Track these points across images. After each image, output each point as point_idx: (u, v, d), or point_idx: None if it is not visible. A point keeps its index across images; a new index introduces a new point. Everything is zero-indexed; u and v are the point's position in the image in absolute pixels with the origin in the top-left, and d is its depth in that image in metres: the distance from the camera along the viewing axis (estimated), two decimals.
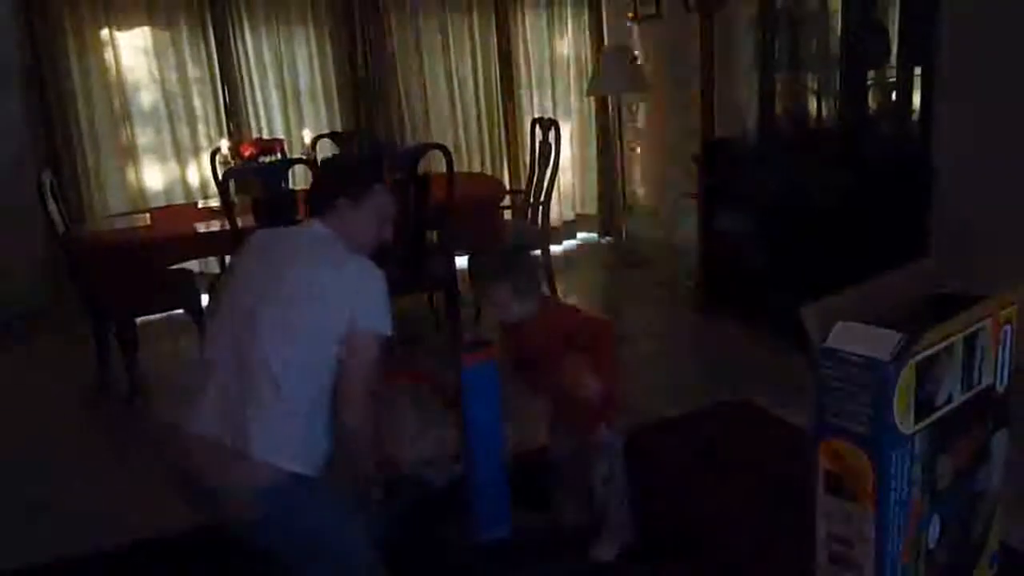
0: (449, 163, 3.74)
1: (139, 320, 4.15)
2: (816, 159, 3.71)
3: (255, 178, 3.51)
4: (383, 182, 2.08)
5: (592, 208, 6.52)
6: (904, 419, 1.63)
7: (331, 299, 1.85)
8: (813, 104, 3.92)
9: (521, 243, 2.92)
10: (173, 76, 5.32)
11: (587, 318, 2.37)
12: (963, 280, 1.95)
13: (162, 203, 5.20)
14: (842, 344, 1.65)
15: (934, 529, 1.78)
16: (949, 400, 1.73)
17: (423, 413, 2.45)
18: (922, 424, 1.68)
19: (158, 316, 4.21)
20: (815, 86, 3.88)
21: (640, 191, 6.07)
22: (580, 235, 6.53)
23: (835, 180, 3.55)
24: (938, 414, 1.73)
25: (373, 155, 2.12)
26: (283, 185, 3.43)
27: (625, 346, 3.99)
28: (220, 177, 3.87)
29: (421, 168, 3.74)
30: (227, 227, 3.48)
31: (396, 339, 2.07)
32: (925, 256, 3.42)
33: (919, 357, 1.64)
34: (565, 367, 2.17)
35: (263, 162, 3.60)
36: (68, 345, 4.35)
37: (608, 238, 6.41)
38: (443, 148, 3.81)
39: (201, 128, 5.43)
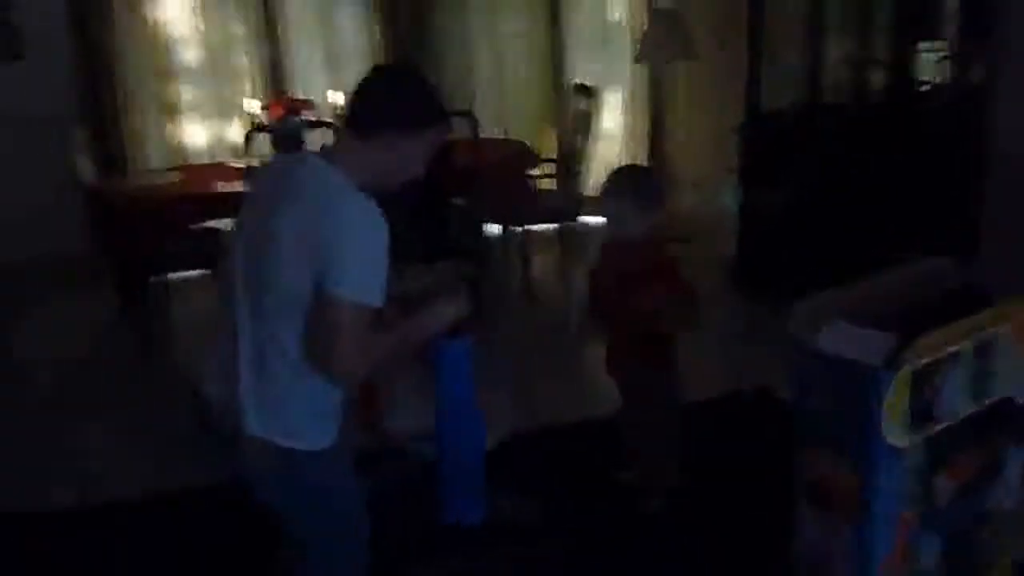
0: (474, 130, 3.63)
1: (169, 277, 4.19)
2: (863, 135, 3.50)
3: (277, 138, 3.47)
4: (443, 114, 1.81)
5: None
6: (896, 430, 1.49)
7: (304, 247, 1.59)
8: (863, 77, 3.69)
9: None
10: (216, 33, 5.30)
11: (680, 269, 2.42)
12: (1010, 281, 1.77)
13: (204, 160, 5.21)
14: (831, 346, 1.52)
15: (930, 547, 1.65)
16: (954, 412, 1.59)
17: (416, 386, 2.39)
18: (918, 436, 1.54)
19: (189, 274, 4.23)
20: (866, 57, 3.64)
21: (686, 162, 5.87)
22: None
23: (882, 159, 3.35)
24: (939, 427, 1.58)
25: (429, 83, 1.81)
26: (301, 147, 3.38)
27: None
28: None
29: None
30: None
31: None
32: (975, 247, 3.21)
33: (917, 364, 1.49)
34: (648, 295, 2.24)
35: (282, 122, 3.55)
36: (96, 299, 4.39)
37: None
38: (468, 114, 3.71)
39: (244, 86, 5.40)
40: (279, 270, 1.62)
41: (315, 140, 4.24)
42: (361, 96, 1.75)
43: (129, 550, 2.56)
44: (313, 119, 3.98)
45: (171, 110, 5.29)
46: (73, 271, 4.72)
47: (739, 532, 2.39)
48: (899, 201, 3.33)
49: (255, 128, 3.68)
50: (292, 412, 1.67)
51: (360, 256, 1.60)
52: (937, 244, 1.91)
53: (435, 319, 1.90)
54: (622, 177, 2.44)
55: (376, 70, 1.83)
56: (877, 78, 3.55)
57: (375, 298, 1.61)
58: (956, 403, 1.60)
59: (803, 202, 3.83)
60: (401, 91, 1.75)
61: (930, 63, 3.48)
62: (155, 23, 5.14)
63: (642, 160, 6.15)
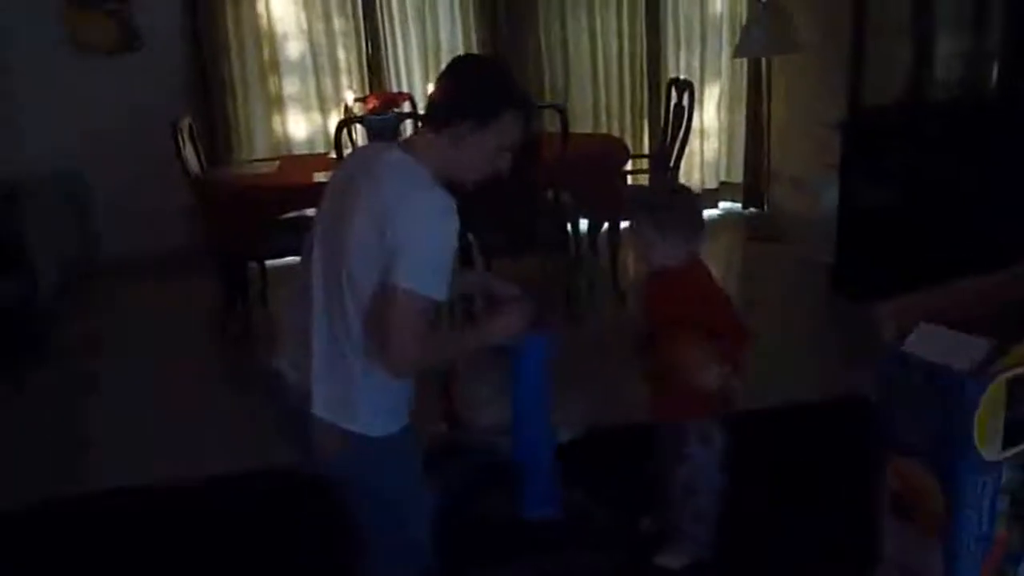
0: (564, 124, 3.61)
1: (266, 264, 4.33)
2: (974, 133, 3.30)
3: (371, 130, 3.54)
4: (518, 108, 1.74)
5: (737, 176, 6.19)
6: (988, 443, 1.40)
7: (374, 234, 1.60)
8: (975, 70, 3.48)
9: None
10: (320, 27, 5.45)
11: (724, 308, 2.12)
12: None
13: (305, 151, 5.39)
14: (920, 349, 1.43)
15: None
16: None
17: (496, 379, 2.39)
18: (1013, 451, 1.44)
19: (289, 261, 4.35)
20: (978, 50, 3.43)
21: (788, 159, 5.69)
22: (722, 204, 6.23)
23: (994, 158, 3.16)
24: None
25: (507, 74, 1.83)
26: (395, 139, 3.43)
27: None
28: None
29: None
30: None
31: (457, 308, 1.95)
32: None
33: (1013, 372, 1.40)
34: (680, 345, 1.99)
35: (375, 116, 3.62)
36: (202, 286, 4.57)
37: (752, 209, 6.07)
38: (559, 108, 3.69)
39: (344, 79, 5.54)
40: (351, 256, 1.64)
41: (410, 132, 4.31)
42: (436, 89, 1.77)
43: (221, 526, 2.66)
44: (408, 111, 4.04)
45: (275, 102, 5.48)
46: (181, 258, 4.94)
47: (825, 542, 2.30)
48: (1012, 203, 3.13)
49: (347, 120, 3.76)
50: (357, 397, 1.69)
51: (425, 247, 1.60)
52: None
53: (501, 327, 1.86)
54: (649, 198, 2.25)
55: (453, 62, 1.82)
56: (991, 72, 3.34)
57: (437, 290, 1.61)
58: None
59: (907, 202, 3.65)
60: (469, 83, 1.73)
61: None
62: (261, 18, 5.33)
63: (742, 156, 6.04)
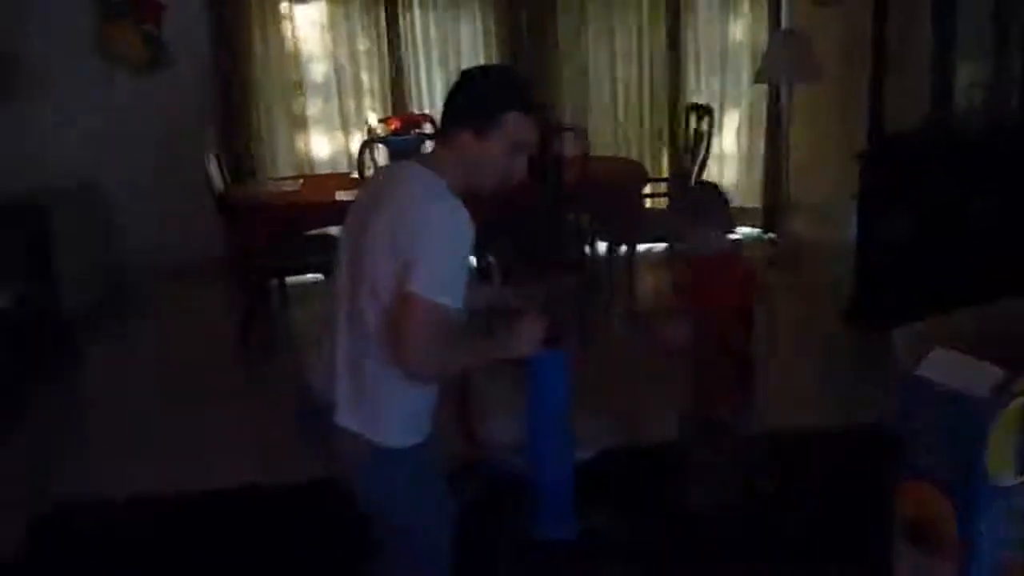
0: (585, 147, 3.64)
1: (287, 280, 4.38)
2: (996, 162, 3.31)
3: (392, 150, 3.59)
4: (521, 109, 1.72)
5: (755, 202, 6.20)
6: (1001, 468, 1.40)
7: (391, 244, 1.63)
8: (997, 99, 3.49)
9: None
10: (344, 50, 5.53)
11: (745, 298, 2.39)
12: None
13: (327, 170, 5.45)
14: (935, 374, 1.44)
15: None
16: None
17: (511, 398, 2.41)
18: None
19: (309, 278, 4.39)
20: (1000, 78, 3.44)
21: (807, 187, 5.69)
22: (740, 230, 6.21)
23: (1014, 187, 3.16)
24: None
25: (510, 77, 1.86)
26: None
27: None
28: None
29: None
30: None
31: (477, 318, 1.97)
32: None
33: None
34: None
35: (397, 137, 3.67)
36: (225, 300, 4.63)
37: (770, 235, 6.07)
38: (580, 131, 3.72)
39: (367, 101, 5.61)
40: (372, 267, 1.67)
41: None
42: (446, 101, 1.80)
43: (233, 538, 2.68)
44: (429, 133, 4.09)
45: (299, 122, 5.56)
46: (204, 270, 5.00)
47: (839, 567, 2.29)
48: None
49: (370, 140, 3.82)
50: (379, 407, 1.72)
51: (438, 255, 1.63)
52: None
53: (516, 339, 1.86)
54: (700, 204, 2.49)
55: (460, 74, 1.84)
56: (1011, 101, 3.35)
57: (450, 298, 1.63)
58: None
59: (927, 231, 3.64)
60: (467, 94, 1.76)
61: None
62: (287, 40, 5.42)
63: (760, 182, 6.04)
